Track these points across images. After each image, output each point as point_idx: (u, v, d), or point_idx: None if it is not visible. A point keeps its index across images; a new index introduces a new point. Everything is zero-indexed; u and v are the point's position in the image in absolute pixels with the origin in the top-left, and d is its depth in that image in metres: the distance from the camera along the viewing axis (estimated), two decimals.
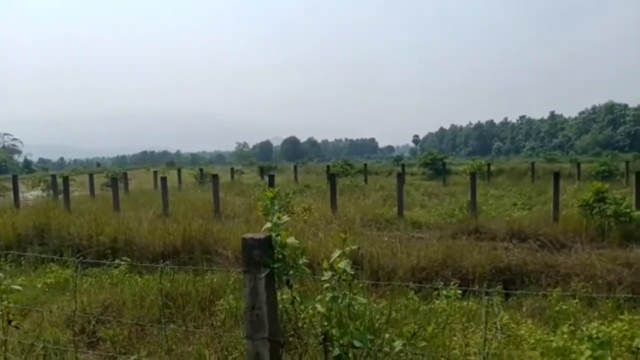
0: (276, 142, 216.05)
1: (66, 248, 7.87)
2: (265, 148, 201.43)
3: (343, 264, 2.22)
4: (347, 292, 2.22)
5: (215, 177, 15.06)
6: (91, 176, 22.63)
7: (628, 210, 9.69)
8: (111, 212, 12.20)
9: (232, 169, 34.05)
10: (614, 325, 3.62)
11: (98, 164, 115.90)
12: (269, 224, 2.37)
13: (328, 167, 33.81)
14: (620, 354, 3.16)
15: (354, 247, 2.26)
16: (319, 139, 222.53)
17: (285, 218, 2.35)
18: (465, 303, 5.12)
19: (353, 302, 2.23)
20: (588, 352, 3.07)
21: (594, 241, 9.17)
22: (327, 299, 2.21)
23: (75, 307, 3.77)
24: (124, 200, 15.76)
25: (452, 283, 5.62)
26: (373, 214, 12.68)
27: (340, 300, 2.20)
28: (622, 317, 3.67)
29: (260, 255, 2.26)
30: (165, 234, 8.19)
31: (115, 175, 25.28)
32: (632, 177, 22.34)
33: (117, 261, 6.26)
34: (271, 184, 14.19)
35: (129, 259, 6.53)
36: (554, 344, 3.45)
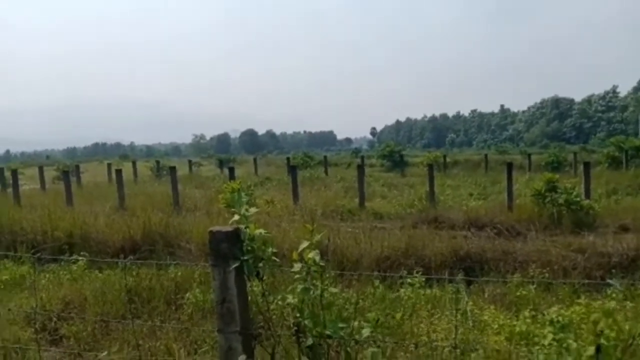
0: (234, 134, 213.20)
1: (20, 244, 7.50)
2: (223, 140, 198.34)
3: (312, 255, 2.22)
4: (318, 283, 2.22)
5: (173, 170, 14.71)
6: (41, 169, 21.62)
7: (578, 199, 10.17)
8: (64, 207, 11.70)
9: (189, 161, 33.37)
10: (572, 309, 3.80)
11: (47, 157, 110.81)
12: (236, 217, 2.33)
13: (288, 159, 33.69)
14: (580, 336, 3.31)
15: (320, 237, 2.25)
16: (277, 132, 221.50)
17: (253, 210, 2.32)
18: (429, 291, 5.24)
19: (324, 293, 2.23)
20: (550, 336, 3.20)
21: (547, 229, 9.57)
22: (299, 290, 2.20)
23: (36, 304, 3.59)
24: (77, 194, 15.15)
25: (415, 271, 5.74)
26: (335, 205, 12.77)
27: (312, 292, 2.20)
28: (579, 301, 3.85)
29: (229, 248, 2.22)
30: (125, 228, 7.95)
31: (66, 168, 24.23)
32: (580, 167, 23.54)
33: (75, 256, 6.02)
34: (232, 176, 14.01)
35: (87, 254, 6.29)
36: (517, 329, 3.59)
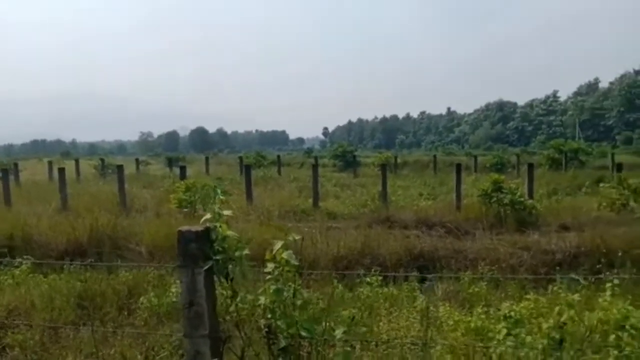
0: (183, 132, 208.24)
1: None
2: (171, 138, 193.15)
3: (286, 255, 2.19)
4: (292, 284, 2.20)
5: (120, 168, 14.18)
6: None
7: (522, 199, 10.65)
8: (2, 207, 11.00)
9: (137, 159, 32.34)
10: (522, 305, 3.96)
11: None
12: (208, 215, 2.27)
13: (241, 158, 33.30)
14: (531, 330, 3.46)
15: (297, 237, 2.23)
16: (228, 130, 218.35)
17: (227, 212, 2.26)
18: (386, 289, 5.32)
19: (297, 294, 2.21)
20: (505, 330, 3.34)
21: (493, 227, 9.94)
22: (271, 291, 2.17)
23: None
24: (15, 194, 14.27)
25: (372, 270, 5.82)
26: (289, 205, 12.73)
27: (284, 293, 2.17)
28: (528, 297, 4.02)
29: (198, 249, 2.16)
30: (70, 229, 7.57)
31: (4, 166, 22.78)
32: (522, 168, 24.73)
33: (18, 260, 5.65)
34: (183, 175, 13.66)
35: (31, 258, 5.93)
36: (473, 324, 3.70)
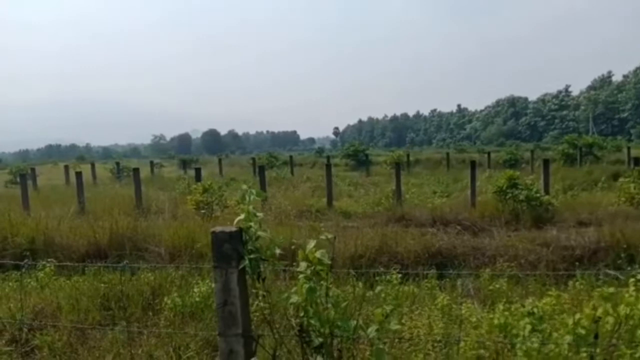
0: (195, 135, 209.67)
1: None
2: (184, 140, 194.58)
3: (319, 254, 2.22)
4: (324, 282, 2.23)
5: (136, 171, 14.34)
6: None
7: (538, 195, 10.57)
8: (21, 211, 11.19)
9: (151, 162, 32.63)
10: (544, 301, 3.95)
11: None
12: (242, 216, 2.31)
13: (254, 159, 33.47)
14: (554, 326, 3.45)
15: (330, 236, 2.26)
16: (240, 132, 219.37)
17: (260, 214, 2.29)
18: (406, 287, 5.33)
19: (329, 292, 2.24)
20: (529, 327, 3.33)
21: (509, 224, 9.90)
22: (304, 289, 2.20)
23: (1, 315, 3.42)
24: (33, 198, 14.51)
25: (393, 268, 5.83)
26: (304, 204, 12.78)
27: (317, 291, 2.20)
28: (550, 292, 4.00)
29: (232, 249, 2.20)
30: (90, 232, 7.68)
31: (21, 171, 23.16)
32: (536, 164, 24.51)
33: (42, 263, 5.76)
34: (198, 177, 13.77)
35: (54, 260, 6.04)
36: (496, 321, 3.69)
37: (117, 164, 31.06)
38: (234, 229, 2.23)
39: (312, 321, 2.16)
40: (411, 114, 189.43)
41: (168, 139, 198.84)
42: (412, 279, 5.83)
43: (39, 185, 20.27)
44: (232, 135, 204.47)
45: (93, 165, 28.12)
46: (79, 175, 13.92)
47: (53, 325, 4.01)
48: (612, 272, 5.11)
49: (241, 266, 2.18)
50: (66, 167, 25.55)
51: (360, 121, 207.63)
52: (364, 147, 40.97)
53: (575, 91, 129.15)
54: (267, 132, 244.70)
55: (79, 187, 13.55)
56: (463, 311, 4.37)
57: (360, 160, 35.06)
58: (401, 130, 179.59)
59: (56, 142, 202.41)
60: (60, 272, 6.01)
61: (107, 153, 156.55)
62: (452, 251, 7.26)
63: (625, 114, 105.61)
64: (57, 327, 3.98)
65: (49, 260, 5.99)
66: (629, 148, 30.14)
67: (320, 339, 2.16)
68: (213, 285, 3.07)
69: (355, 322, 2.29)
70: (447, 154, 36.10)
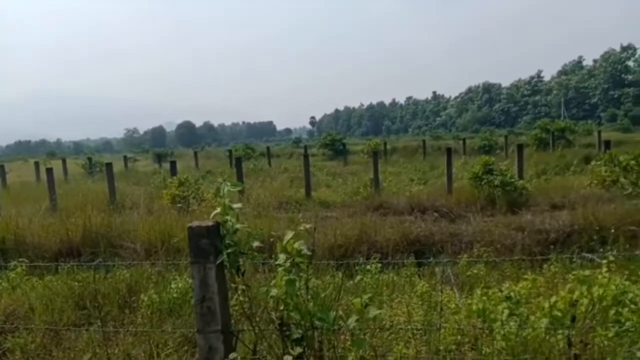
0: (170, 127, 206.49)
1: None
2: (157, 133, 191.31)
3: (297, 245, 2.18)
4: (303, 274, 2.19)
5: (109, 166, 14.02)
6: None
7: (512, 180, 10.75)
8: None
9: (125, 156, 32.03)
10: (521, 285, 4.01)
11: None
12: (218, 210, 2.25)
13: (230, 151, 33.11)
14: (531, 309, 3.51)
15: (308, 226, 2.22)
16: (215, 123, 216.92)
17: (237, 205, 2.24)
18: (385, 276, 5.35)
19: (310, 284, 2.21)
20: (507, 311, 3.38)
21: (484, 209, 10.03)
22: (284, 282, 2.16)
23: None
24: (3, 196, 14.09)
25: (372, 257, 5.84)
26: (282, 196, 12.72)
27: (297, 283, 2.16)
28: (526, 276, 4.06)
29: (210, 244, 2.14)
30: (62, 230, 7.47)
31: None
32: (510, 149, 24.92)
33: (13, 263, 5.57)
34: (173, 171, 13.55)
35: (26, 260, 5.85)
36: (474, 307, 3.73)
37: (89, 159, 30.38)
38: (210, 223, 2.17)
39: (292, 314, 2.13)
40: (387, 102, 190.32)
41: (141, 132, 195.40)
42: (391, 267, 5.85)
43: (8, 183, 19.66)
44: (208, 126, 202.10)
45: (64, 161, 27.38)
46: (49, 171, 13.53)
47: (26, 327, 3.89)
48: (588, 255, 5.22)
49: (219, 261, 2.12)
50: (36, 164, 24.84)
51: (336, 110, 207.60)
52: (341, 137, 40.98)
53: (547, 77, 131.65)
54: (243, 123, 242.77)
55: (50, 183, 13.18)
56: (442, 298, 4.40)
57: (337, 150, 35.08)
58: (377, 119, 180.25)
59: (25, 138, 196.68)
60: (32, 271, 5.82)
61: (78, 148, 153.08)
62: (430, 238, 7.33)
63: (595, 99, 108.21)
64: (30, 328, 3.86)
65: (20, 260, 5.80)
66: (599, 132, 30.82)
67: (300, 332, 2.13)
68: (191, 280, 3.01)
69: (335, 313, 2.27)
70: (424, 141, 36.39)
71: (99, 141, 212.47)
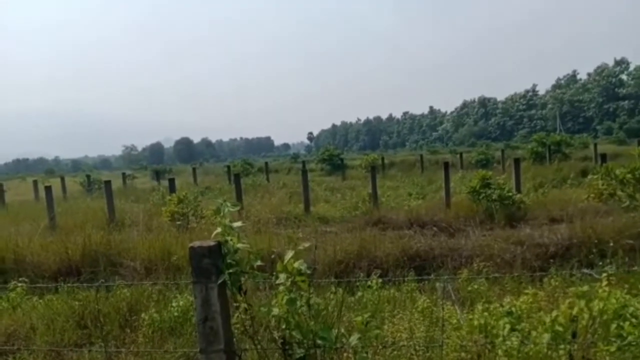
0: (167, 144, 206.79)
1: None
2: (156, 150, 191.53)
3: (297, 264, 2.21)
4: (304, 293, 2.21)
5: (108, 184, 14.00)
6: None
7: (510, 194, 10.79)
8: None
9: (123, 174, 31.98)
10: (522, 299, 4.01)
11: None
12: (219, 229, 2.27)
13: (228, 167, 33.17)
14: (532, 324, 3.52)
15: (307, 245, 2.25)
16: (213, 139, 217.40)
17: (238, 223, 2.26)
18: (387, 292, 5.35)
19: (311, 302, 2.22)
20: (508, 326, 3.38)
21: (483, 223, 10.05)
22: (284, 301, 2.17)
23: None
24: (1, 215, 14.07)
25: (373, 273, 5.84)
26: (281, 211, 12.72)
27: (298, 302, 2.18)
28: (527, 291, 4.07)
29: (212, 264, 2.16)
30: (62, 249, 7.46)
31: None
32: (507, 163, 25.00)
33: (13, 282, 5.55)
34: (172, 188, 13.56)
35: (26, 280, 5.84)
36: (475, 322, 3.74)
37: (88, 176, 30.36)
38: (212, 243, 2.19)
39: (294, 333, 2.14)
40: (384, 117, 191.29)
41: (139, 149, 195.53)
42: (392, 282, 5.85)
43: (7, 202, 19.63)
44: (206, 143, 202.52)
45: (63, 179, 27.37)
46: (48, 189, 13.52)
47: (27, 348, 3.88)
48: (587, 271, 5.24)
49: (221, 280, 2.14)
50: (35, 182, 24.80)
51: (334, 125, 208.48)
52: (338, 152, 41.11)
53: (542, 90, 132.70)
54: (241, 138, 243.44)
55: (48, 202, 13.17)
56: (443, 313, 4.41)
57: (335, 165, 35.14)
58: (375, 134, 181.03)
59: (24, 156, 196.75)
60: (32, 291, 5.82)
61: (76, 166, 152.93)
62: (429, 253, 7.33)
63: (590, 112, 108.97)
64: (31, 349, 3.84)
65: (20, 279, 5.78)
66: (595, 145, 31.03)
67: (303, 351, 2.14)
68: (192, 299, 3.02)
69: (336, 331, 2.28)
70: (421, 155, 36.55)
71: (97, 159, 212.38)
